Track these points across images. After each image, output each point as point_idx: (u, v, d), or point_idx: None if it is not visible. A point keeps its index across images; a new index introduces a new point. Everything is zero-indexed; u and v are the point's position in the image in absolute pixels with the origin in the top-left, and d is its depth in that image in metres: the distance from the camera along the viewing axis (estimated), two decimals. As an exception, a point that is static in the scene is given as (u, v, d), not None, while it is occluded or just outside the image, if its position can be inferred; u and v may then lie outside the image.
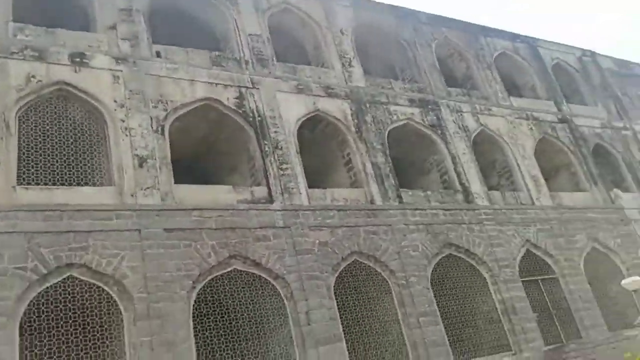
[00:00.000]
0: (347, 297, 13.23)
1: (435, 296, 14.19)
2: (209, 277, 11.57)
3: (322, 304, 12.32)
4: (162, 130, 12.58)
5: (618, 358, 14.86)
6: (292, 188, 13.55)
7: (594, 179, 20.12)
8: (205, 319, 11.50)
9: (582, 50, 25.00)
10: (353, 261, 13.58)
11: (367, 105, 16.33)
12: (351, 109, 15.91)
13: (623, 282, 14.42)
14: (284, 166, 13.74)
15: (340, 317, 12.67)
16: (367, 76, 17.22)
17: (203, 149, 15.10)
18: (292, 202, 13.33)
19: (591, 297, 16.94)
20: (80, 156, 11.99)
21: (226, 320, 11.80)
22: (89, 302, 10.39)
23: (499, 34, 22.17)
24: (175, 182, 12.27)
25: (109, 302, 10.49)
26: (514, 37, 22.69)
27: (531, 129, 19.86)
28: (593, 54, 25.29)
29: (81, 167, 11.86)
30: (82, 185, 11.48)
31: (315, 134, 15.84)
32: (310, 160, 15.99)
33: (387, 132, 16.21)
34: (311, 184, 14.26)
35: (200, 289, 11.41)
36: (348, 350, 12.38)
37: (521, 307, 15.30)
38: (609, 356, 15.80)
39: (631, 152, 22.54)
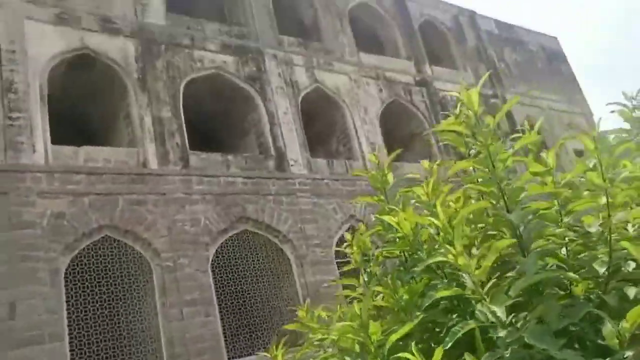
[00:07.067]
0: (86, 284, 10.57)
1: (215, 281, 11.81)
2: None
3: (35, 293, 9.56)
4: None
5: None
6: (22, 143, 10.54)
7: (448, 150, 18.19)
8: None
9: (460, 9, 22.88)
10: (102, 237, 10.86)
11: (163, 47, 13.39)
12: (137, 51, 12.92)
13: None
14: (15, 115, 10.67)
15: (69, 310, 10.05)
16: (170, 13, 14.18)
17: None
18: (17, 161, 10.36)
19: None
20: None
21: None
22: None
23: (360, -20, 19.56)
24: None
25: None
26: (378, -14, 20.15)
27: (380, 90, 17.57)
28: (472, 13, 23.26)
29: None
30: None
31: (92, 79, 12.83)
32: (87, 111, 13.08)
33: (184, 82, 13.38)
34: (80, 140, 11.47)
35: None
36: (74, 350, 9.86)
37: (327, 293, 13.16)
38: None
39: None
